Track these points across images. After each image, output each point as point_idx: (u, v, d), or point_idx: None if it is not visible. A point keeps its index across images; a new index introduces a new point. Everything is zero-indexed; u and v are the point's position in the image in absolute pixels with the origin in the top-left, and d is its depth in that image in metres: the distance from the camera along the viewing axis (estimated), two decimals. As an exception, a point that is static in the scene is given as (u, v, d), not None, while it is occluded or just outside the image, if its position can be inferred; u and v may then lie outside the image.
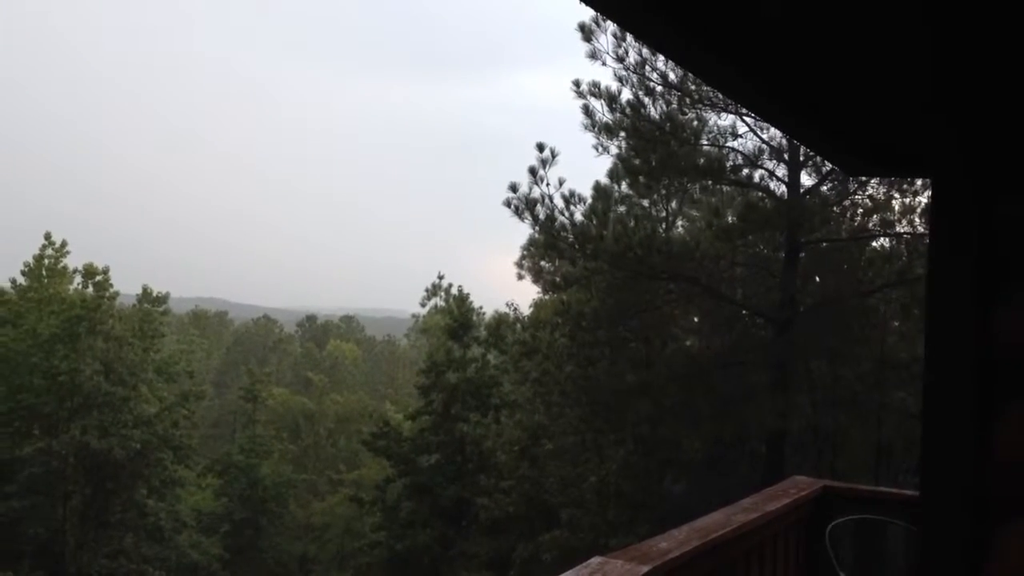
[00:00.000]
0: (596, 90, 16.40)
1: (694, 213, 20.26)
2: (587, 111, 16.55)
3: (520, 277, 20.86)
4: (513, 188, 16.33)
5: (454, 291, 38.56)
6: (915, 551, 2.11)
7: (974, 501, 2.03)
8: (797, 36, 1.95)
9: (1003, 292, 2.00)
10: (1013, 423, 1.99)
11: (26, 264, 30.73)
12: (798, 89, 2.25)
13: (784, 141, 16.33)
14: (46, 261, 30.78)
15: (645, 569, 3.22)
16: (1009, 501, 1.99)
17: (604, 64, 15.87)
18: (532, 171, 16.24)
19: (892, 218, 16.70)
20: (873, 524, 5.11)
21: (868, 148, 2.77)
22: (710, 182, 17.73)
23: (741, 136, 16.78)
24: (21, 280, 30.72)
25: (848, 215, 17.32)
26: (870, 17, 1.86)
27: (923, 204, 16.04)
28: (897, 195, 16.58)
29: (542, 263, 20.34)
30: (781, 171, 17.04)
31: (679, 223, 20.76)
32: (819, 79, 2.23)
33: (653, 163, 16.89)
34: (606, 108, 16.56)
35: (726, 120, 16.67)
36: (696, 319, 19.72)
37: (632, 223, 16.79)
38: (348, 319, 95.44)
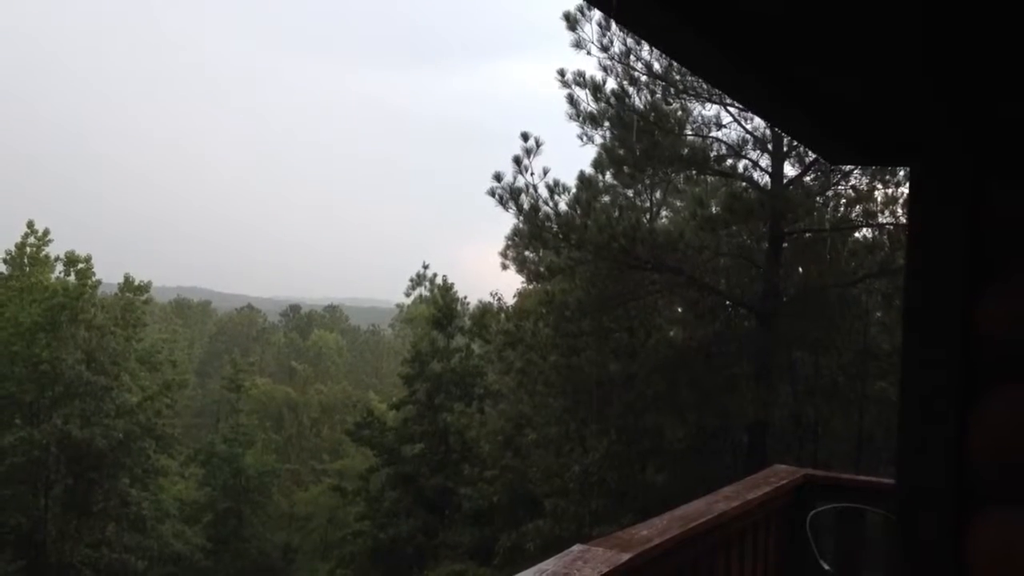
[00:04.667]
0: (581, 80, 16.39)
1: (678, 203, 20.26)
2: (572, 100, 16.55)
3: (504, 267, 20.87)
4: (498, 177, 16.27)
5: (438, 281, 38.58)
6: (895, 539, 2.11)
7: (952, 490, 2.03)
8: (785, 15, 1.94)
9: (988, 280, 1.99)
10: (991, 412, 1.99)
11: (8, 252, 30.48)
12: (782, 69, 2.24)
13: (768, 131, 16.36)
14: (28, 249, 30.51)
15: (626, 556, 3.22)
16: (986, 489, 1.99)
17: (589, 54, 15.86)
18: (517, 160, 16.18)
19: (875, 208, 16.78)
20: (854, 512, 5.14)
21: (853, 136, 2.76)
22: (694, 172, 17.75)
23: (725, 126, 16.83)
24: (3, 268, 30.45)
25: (831, 205, 17.39)
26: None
27: (905, 195, 16.11)
28: (880, 186, 16.66)
29: (526, 253, 20.29)
30: (765, 161, 17.10)
31: (663, 213, 20.75)
32: (805, 59, 2.22)
33: (637, 153, 16.89)
34: (591, 98, 16.56)
35: (710, 110, 16.71)
36: (680, 309, 19.73)
37: (616, 213, 16.79)
38: (332, 309, 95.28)
